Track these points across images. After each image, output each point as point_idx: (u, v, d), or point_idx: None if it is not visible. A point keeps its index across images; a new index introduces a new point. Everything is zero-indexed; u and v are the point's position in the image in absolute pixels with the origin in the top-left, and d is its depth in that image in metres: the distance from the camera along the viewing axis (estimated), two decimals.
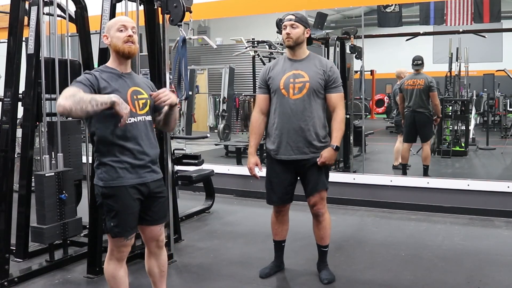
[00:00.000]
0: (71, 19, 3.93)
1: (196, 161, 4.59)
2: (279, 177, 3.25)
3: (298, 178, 3.30)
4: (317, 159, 3.14)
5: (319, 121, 3.18)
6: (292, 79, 3.15)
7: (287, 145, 3.17)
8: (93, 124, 2.41)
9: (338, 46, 6.46)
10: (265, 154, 3.48)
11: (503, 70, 9.69)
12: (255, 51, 8.01)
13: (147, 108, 2.50)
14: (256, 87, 3.37)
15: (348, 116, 6.27)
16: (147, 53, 3.84)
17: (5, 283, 3.26)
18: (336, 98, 3.20)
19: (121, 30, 2.42)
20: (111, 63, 2.50)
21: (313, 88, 3.13)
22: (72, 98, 2.18)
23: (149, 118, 2.51)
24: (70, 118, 3.86)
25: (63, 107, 2.17)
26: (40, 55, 3.61)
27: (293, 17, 3.16)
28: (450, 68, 8.99)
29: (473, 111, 9.57)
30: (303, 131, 3.14)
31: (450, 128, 8.19)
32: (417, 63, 6.22)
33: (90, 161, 3.62)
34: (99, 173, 2.44)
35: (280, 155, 3.21)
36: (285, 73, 3.19)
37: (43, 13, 3.60)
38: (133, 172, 2.42)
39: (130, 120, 2.40)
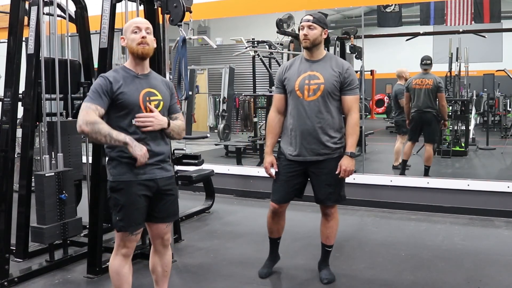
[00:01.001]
0: (71, 19, 3.93)
1: (196, 161, 4.58)
2: (287, 175, 3.24)
3: (308, 179, 3.29)
4: (337, 171, 3.12)
5: (334, 123, 3.16)
6: (307, 81, 3.13)
7: (301, 146, 3.16)
8: (107, 122, 2.45)
9: (338, 46, 6.46)
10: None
11: (503, 70, 9.68)
12: (255, 51, 8.01)
13: (159, 108, 2.54)
14: (274, 87, 3.36)
15: None
16: None
17: (5, 283, 3.26)
18: (351, 100, 3.17)
19: (135, 32, 2.49)
20: (129, 64, 2.56)
21: (328, 90, 3.11)
22: (91, 126, 2.35)
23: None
24: (70, 118, 3.88)
25: (82, 131, 2.38)
26: (40, 55, 3.61)
27: (311, 18, 3.14)
28: (450, 68, 8.99)
29: (473, 111, 9.57)
30: (317, 133, 3.13)
31: (450, 128, 8.19)
32: (426, 62, 6.20)
33: (90, 161, 3.62)
34: (109, 168, 2.51)
35: (294, 156, 3.20)
36: (300, 74, 3.17)
37: (43, 13, 3.60)
38: (141, 168, 2.46)
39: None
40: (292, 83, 3.17)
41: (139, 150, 2.38)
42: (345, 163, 3.12)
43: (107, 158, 2.54)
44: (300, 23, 3.19)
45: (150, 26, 2.54)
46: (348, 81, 3.15)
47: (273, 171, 3.28)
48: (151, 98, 2.51)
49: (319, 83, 3.11)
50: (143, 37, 2.47)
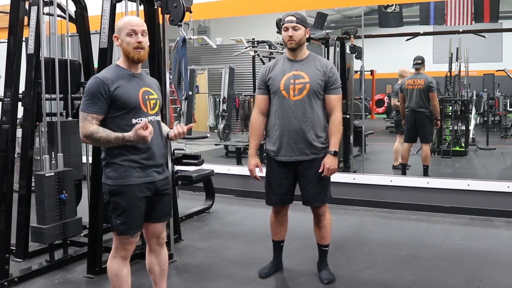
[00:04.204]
0: (71, 19, 3.93)
1: (196, 161, 4.58)
2: (279, 178, 3.25)
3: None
4: (320, 170, 3.13)
5: (320, 122, 3.17)
6: (293, 80, 3.14)
7: (288, 146, 3.16)
8: (106, 125, 2.42)
9: (338, 46, 6.45)
10: (264, 154, 3.48)
11: (503, 70, 9.68)
12: (255, 51, 8.00)
13: (157, 108, 2.55)
14: (256, 88, 3.36)
15: (348, 116, 6.27)
16: None
17: (5, 283, 3.26)
18: (335, 99, 3.18)
19: (131, 35, 2.42)
20: (122, 62, 2.51)
21: (313, 89, 3.12)
22: (90, 138, 2.36)
23: (158, 118, 2.57)
24: (70, 118, 3.88)
25: (84, 141, 2.44)
26: (40, 55, 3.61)
27: (294, 19, 3.12)
28: (450, 68, 8.99)
29: (473, 111, 9.57)
30: (303, 132, 3.13)
31: (450, 128, 8.19)
32: (417, 62, 6.24)
33: (90, 161, 3.62)
34: (108, 172, 2.46)
35: (280, 156, 3.20)
36: (285, 74, 3.17)
37: (43, 13, 3.60)
38: (141, 171, 2.45)
39: (141, 119, 2.44)
40: (277, 83, 3.16)
41: (142, 137, 2.30)
42: (329, 161, 3.13)
43: (104, 161, 2.49)
44: (282, 24, 3.16)
45: (145, 27, 2.49)
46: (332, 80, 3.16)
47: (258, 173, 3.26)
48: (150, 97, 2.51)
49: (305, 83, 3.12)
50: (139, 42, 2.42)
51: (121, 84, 2.41)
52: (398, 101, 6.77)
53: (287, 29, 3.13)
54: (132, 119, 2.42)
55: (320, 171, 3.13)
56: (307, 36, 3.19)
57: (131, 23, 2.44)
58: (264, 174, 3.30)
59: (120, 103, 2.39)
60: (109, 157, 2.46)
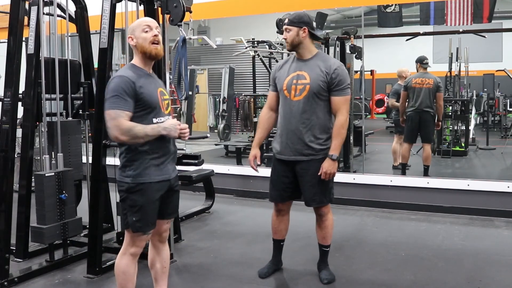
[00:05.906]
0: (71, 19, 3.93)
1: (196, 161, 4.57)
2: (279, 175, 3.28)
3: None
4: (318, 173, 3.13)
5: (320, 124, 3.15)
6: (295, 80, 3.15)
7: (287, 145, 3.19)
8: None
9: (338, 46, 6.46)
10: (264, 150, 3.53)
11: (503, 70, 9.69)
12: (255, 51, 8.01)
13: (169, 108, 2.59)
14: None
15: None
16: None
17: (5, 283, 3.27)
18: (339, 101, 3.13)
19: (146, 31, 2.44)
20: (138, 62, 2.50)
21: (313, 91, 3.11)
22: (128, 134, 2.33)
23: (170, 117, 2.59)
24: (70, 118, 3.88)
25: (119, 140, 2.37)
26: (40, 55, 3.61)
27: (287, 21, 3.18)
28: (450, 68, 8.99)
29: (473, 111, 9.57)
30: (301, 133, 3.14)
31: (450, 128, 8.19)
32: (426, 61, 6.26)
33: (90, 161, 3.62)
34: (127, 170, 2.45)
35: (280, 155, 3.23)
36: (289, 73, 3.19)
37: (43, 13, 3.60)
38: (158, 169, 2.48)
39: (160, 119, 2.48)
40: (281, 83, 3.20)
41: (174, 131, 2.39)
42: (326, 165, 3.12)
43: (123, 160, 2.47)
44: (283, 24, 3.23)
45: (159, 26, 2.53)
46: (335, 81, 3.11)
47: (255, 164, 3.29)
48: (164, 97, 2.54)
49: (305, 83, 3.12)
50: (155, 35, 2.44)
51: (144, 84, 2.42)
52: (396, 101, 6.78)
53: (283, 32, 3.21)
54: (153, 119, 2.45)
55: (318, 174, 3.13)
56: (304, 34, 3.14)
57: (146, 20, 2.50)
58: (262, 166, 3.34)
59: (144, 102, 2.40)
60: (129, 155, 2.45)
